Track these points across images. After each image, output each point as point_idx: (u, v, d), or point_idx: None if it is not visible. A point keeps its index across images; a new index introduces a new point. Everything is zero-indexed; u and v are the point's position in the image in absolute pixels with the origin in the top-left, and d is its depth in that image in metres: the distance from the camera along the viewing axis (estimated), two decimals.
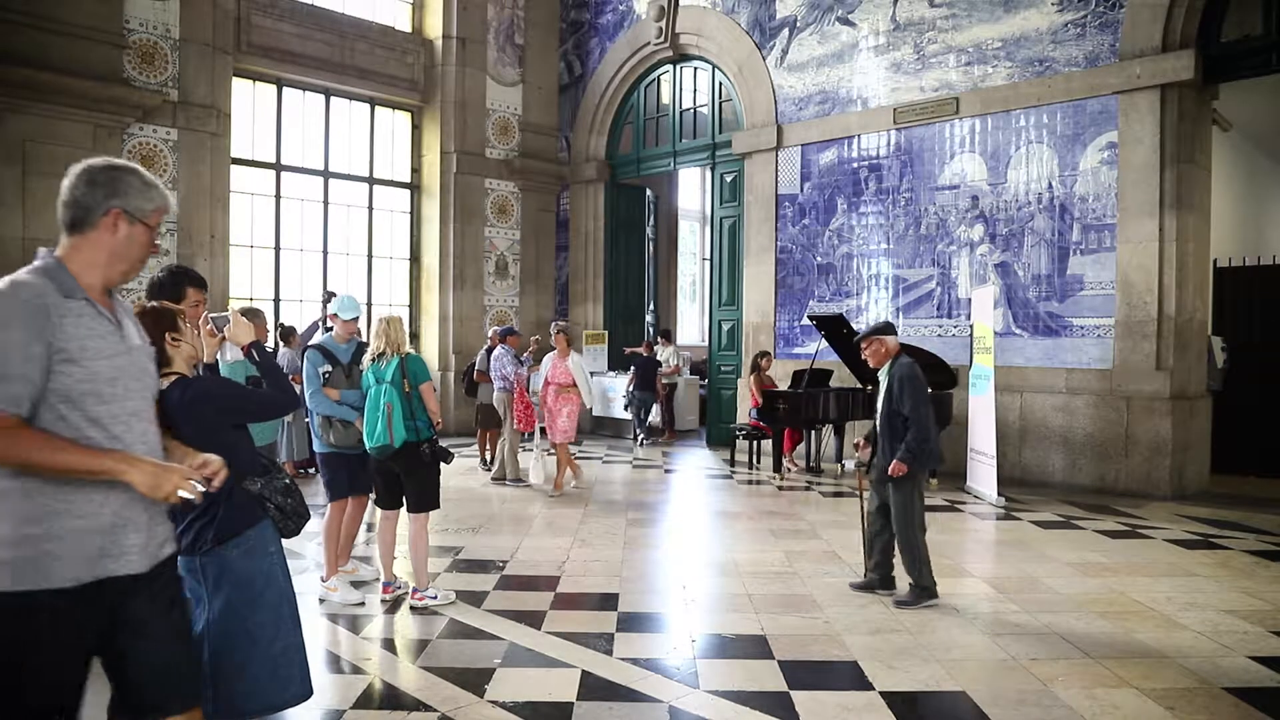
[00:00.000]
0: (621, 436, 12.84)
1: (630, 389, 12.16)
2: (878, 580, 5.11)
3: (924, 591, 4.89)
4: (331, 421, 4.99)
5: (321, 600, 4.92)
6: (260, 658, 2.70)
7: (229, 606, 2.68)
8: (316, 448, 5.18)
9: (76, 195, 2.03)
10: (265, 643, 2.72)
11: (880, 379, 5.16)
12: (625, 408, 12.48)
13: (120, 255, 2.07)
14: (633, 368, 12.17)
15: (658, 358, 12.53)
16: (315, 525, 5.56)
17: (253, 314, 5.10)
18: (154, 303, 2.86)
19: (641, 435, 12.21)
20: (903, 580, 5.07)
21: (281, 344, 9.73)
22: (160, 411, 2.63)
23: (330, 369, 5.03)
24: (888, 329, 5.18)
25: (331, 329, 5.37)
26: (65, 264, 2.01)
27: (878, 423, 5.14)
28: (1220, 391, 9.29)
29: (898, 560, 5.02)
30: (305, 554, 5.89)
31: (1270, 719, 3.41)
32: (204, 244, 10.36)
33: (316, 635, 4.43)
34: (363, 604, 4.89)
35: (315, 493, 6.93)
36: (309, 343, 6.40)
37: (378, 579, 5.17)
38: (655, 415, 12.65)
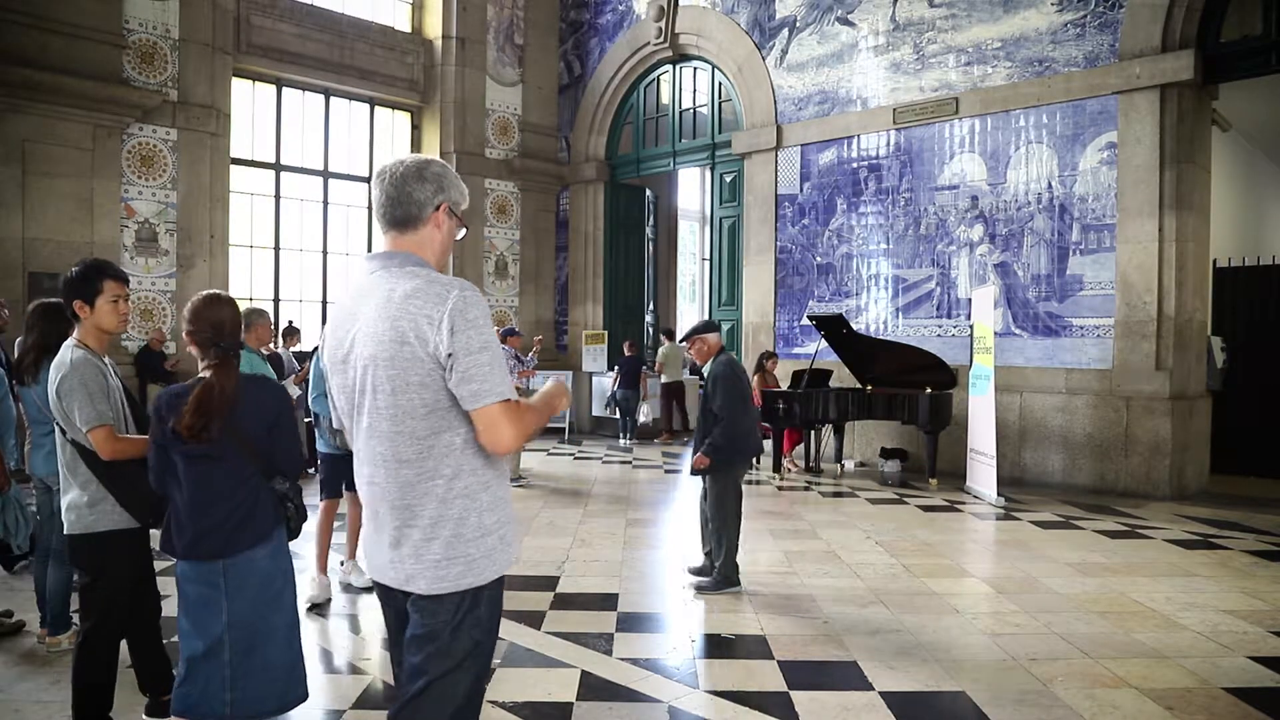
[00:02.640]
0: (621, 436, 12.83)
1: (614, 388, 12.29)
2: (710, 566, 5.31)
3: (725, 580, 5.13)
4: None
5: (309, 606, 4.90)
6: (280, 657, 2.72)
7: (253, 607, 2.68)
8: (319, 447, 5.21)
9: (409, 191, 2.00)
10: (286, 642, 2.74)
11: (704, 375, 5.38)
12: (605, 406, 12.60)
13: (445, 249, 2.09)
14: (616, 367, 12.25)
15: (657, 357, 12.58)
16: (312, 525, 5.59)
17: (257, 314, 5.11)
18: (228, 299, 2.84)
19: (628, 436, 12.24)
20: (755, 570, 5.41)
21: (282, 342, 9.75)
22: (226, 403, 2.63)
23: None
24: (708, 327, 5.34)
25: None
26: None
27: (699, 416, 5.40)
28: (1220, 391, 9.30)
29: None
30: (304, 554, 5.88)
31: (1270, 719, 3.41)
32: (204, 244, 10.37)
33: (316, 635, 4.43)
34: (322, 603, 4.90)
35: (312, 492, 6.93)
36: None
37: (370, 587, 5.17)
38: (644, 414, 12.60)
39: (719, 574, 5.16)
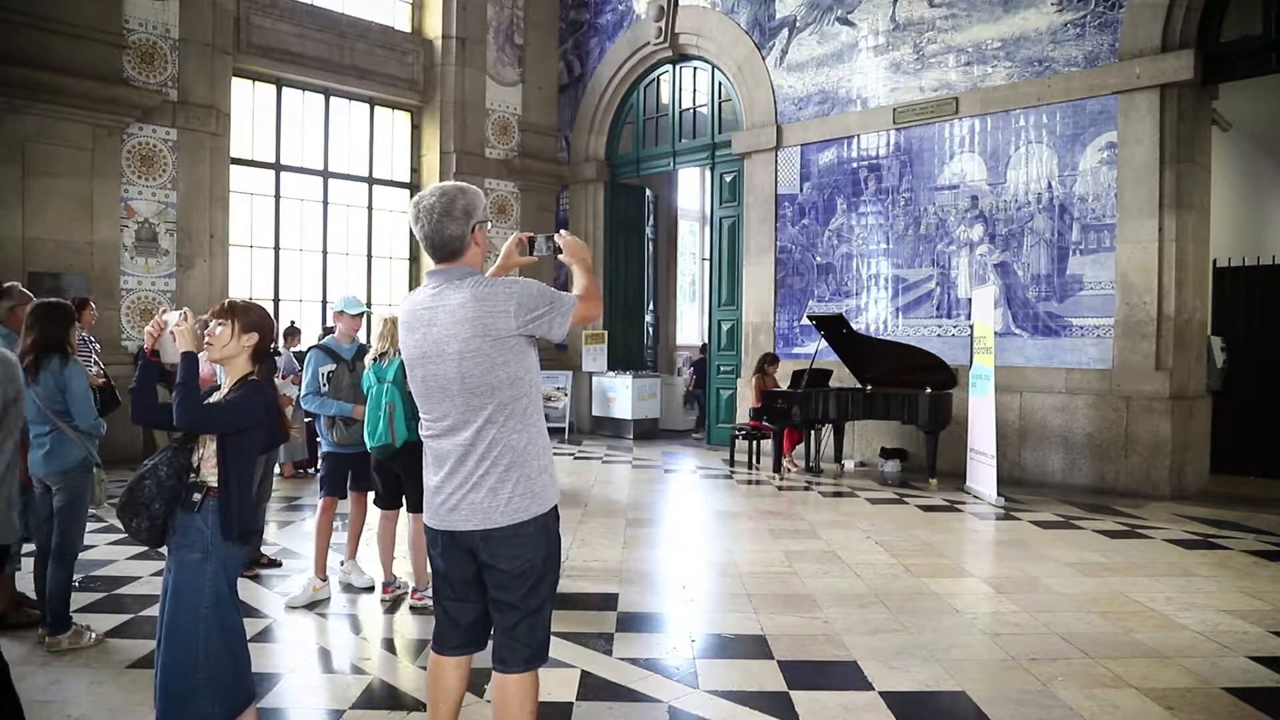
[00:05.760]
0: (620, 436, 12.94)
1: (688, 388, 13.62)
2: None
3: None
4: (334, 420, 5.02)
5: (309, 605, 4.90)
6: None
7: None
8: (322, 445, 5.23)
9: (448, 232, 2.43)
10: None
11: None
12: (685, 404, 13.77)
13: (484, 252, 2.55)
14: (690, 368, 13.81)
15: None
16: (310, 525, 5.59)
17: None
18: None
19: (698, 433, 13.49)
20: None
21: (283, 342, 9.74)
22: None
23: (334, 367, 5.06)
24: None
25: (331, 329, 5.38)
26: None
27: None
28: (1220, 391, 9.30)
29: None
30: (304, 553, 5.89)
31: (1270, 719, 3.41)
32: (204, 244, 10.37)
33: (316, 635, 4.43)
34: (319, 602, 4.89)
35: (315, 490, 6.92)
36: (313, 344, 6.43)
37: (370, 587, 5.17)
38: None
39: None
